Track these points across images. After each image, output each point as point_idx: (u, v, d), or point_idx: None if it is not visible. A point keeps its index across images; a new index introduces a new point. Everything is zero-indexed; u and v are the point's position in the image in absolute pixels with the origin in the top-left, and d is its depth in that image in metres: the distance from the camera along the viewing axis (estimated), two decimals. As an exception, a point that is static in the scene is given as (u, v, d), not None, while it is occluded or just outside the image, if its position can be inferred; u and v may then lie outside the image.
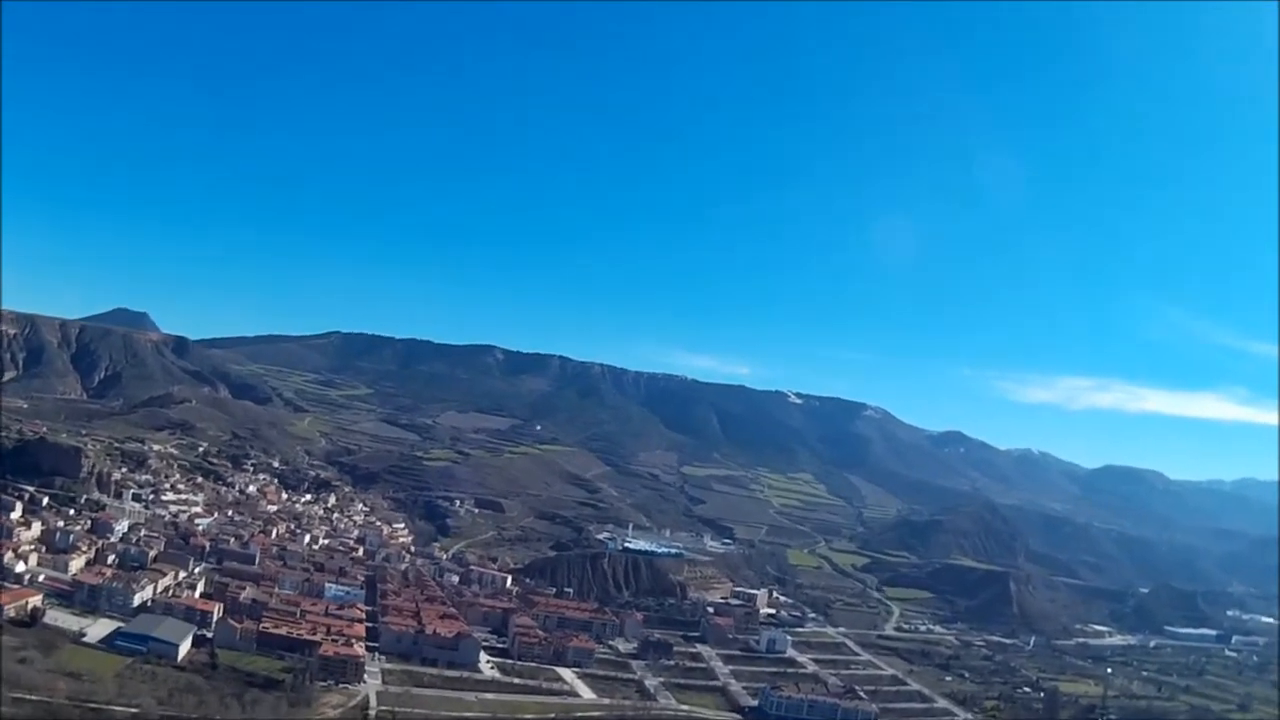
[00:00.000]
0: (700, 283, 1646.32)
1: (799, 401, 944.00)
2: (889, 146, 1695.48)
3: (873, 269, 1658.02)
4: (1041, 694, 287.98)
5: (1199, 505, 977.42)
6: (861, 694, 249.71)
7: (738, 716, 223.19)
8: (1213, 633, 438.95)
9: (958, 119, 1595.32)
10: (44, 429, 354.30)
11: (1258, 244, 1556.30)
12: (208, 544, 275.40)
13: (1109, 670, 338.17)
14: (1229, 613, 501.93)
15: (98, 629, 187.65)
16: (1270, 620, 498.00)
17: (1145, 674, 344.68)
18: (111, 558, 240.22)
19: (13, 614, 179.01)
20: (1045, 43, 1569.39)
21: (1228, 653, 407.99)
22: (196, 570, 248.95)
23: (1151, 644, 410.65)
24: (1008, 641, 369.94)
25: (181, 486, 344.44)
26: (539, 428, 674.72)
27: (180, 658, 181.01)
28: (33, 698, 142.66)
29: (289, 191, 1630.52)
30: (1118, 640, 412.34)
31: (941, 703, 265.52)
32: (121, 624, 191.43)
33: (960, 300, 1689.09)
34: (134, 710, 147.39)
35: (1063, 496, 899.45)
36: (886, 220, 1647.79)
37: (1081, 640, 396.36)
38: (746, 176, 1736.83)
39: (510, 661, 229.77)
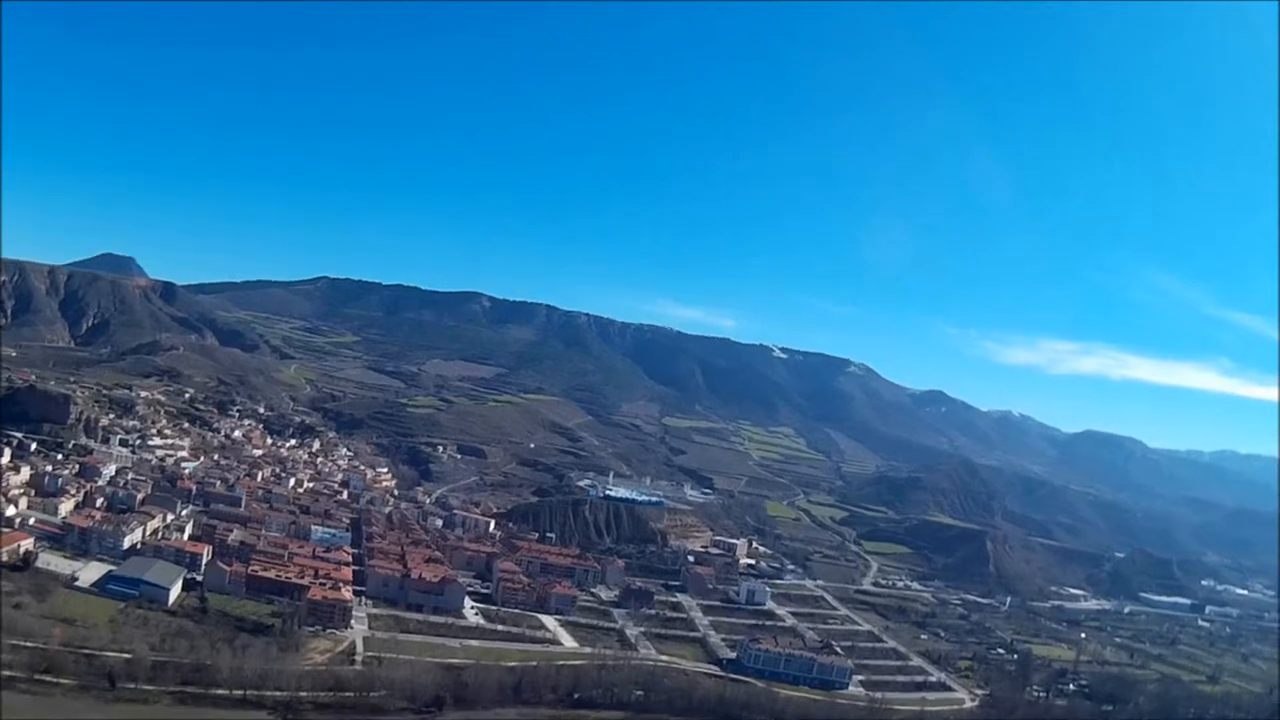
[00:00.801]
0: (689, 234, 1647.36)
1: (783, 356, 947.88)
2: (879, 107, 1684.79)
3: (860, 224, 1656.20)
4: (1015, 656, 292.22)
5: (1176, 474, 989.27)
6: (838, 649, 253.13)
7: (716, 669, 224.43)
8: (1186, 602, 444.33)
9: (946, 84, 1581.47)
10: (33, 376, 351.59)
11: (1248, 215, 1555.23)
12: (194, 487, 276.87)
13: (1082, 635, 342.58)
14: (1203, 582, 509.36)
15: (89, 572, 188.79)
16: (1244, 592, 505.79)
17: (1118, 640, 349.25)
18: (100, 501, 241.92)
19: (6, 558, 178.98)
20: (1034, 14, 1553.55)
21: (1201, 623, 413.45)
22: (184, 513, 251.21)
23: (1126, 610, 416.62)
24: (984, 601, 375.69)
25: (168, 432, 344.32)
26: (523, 377, 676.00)
27: (171, 602, 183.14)
28: (29, 644, 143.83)
29: (277, 136, 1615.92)
30: (1092, 605, 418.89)
31: (916, 661, 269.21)
32: (112, 567, 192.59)
33: (946, 258, 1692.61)
34: (127, 656, 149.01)
35: (1041, 459, 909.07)
36: (874, 177, 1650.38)
37: (1057, 603, 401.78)
38: (736, 130, 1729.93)
39: (494, 608, 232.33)
